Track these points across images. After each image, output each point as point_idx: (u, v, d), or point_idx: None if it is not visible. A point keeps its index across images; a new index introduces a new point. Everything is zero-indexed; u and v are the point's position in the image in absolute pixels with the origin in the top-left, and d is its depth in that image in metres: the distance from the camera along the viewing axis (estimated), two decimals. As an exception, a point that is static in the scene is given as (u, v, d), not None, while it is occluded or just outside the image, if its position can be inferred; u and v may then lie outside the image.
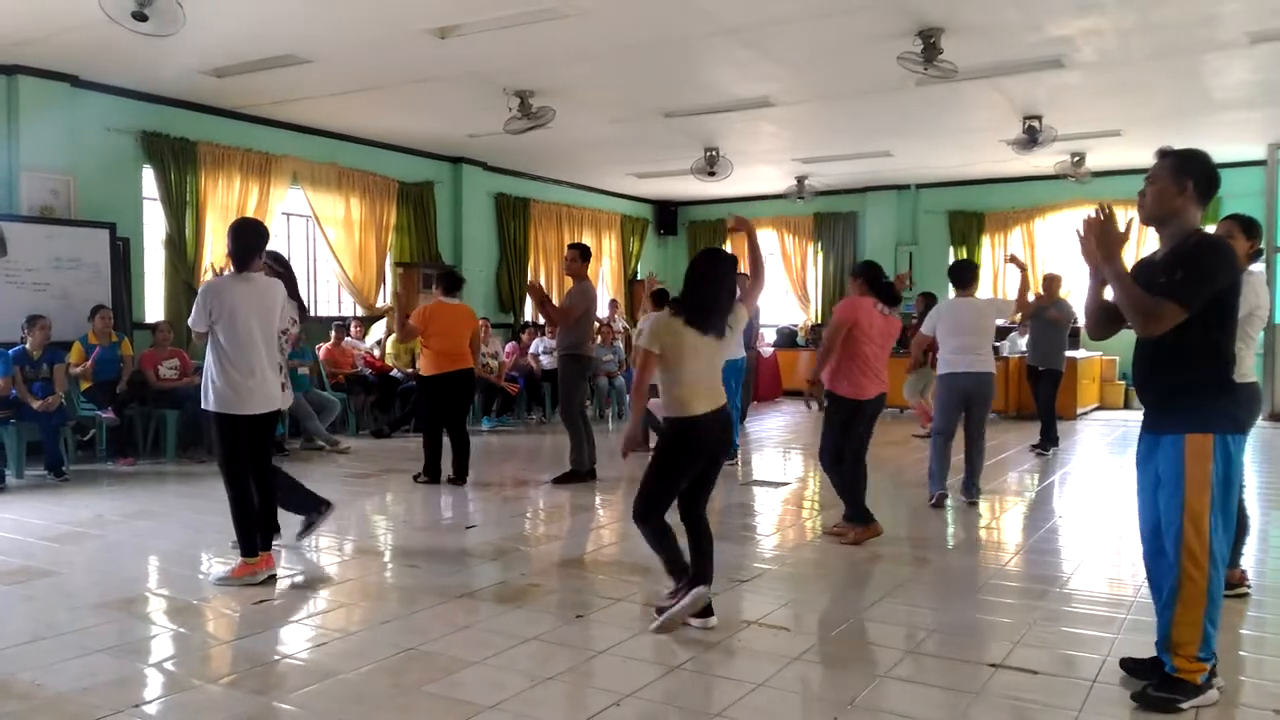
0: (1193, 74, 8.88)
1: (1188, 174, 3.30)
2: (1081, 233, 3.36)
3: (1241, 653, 3.90)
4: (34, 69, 8.55)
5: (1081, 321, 11.50)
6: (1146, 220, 3.43)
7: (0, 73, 8.52)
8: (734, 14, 7.29)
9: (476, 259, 13.63)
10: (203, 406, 4.89)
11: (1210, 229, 3.64)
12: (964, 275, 6.94)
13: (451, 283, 7.96)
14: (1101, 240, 3.30)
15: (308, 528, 5.53)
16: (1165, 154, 3.38)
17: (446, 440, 7.75)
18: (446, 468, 7.72)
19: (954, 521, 6.57)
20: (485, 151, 12.82)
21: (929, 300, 10.65)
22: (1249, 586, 4.60)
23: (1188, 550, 3.25)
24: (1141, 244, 13.43)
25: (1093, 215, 3.34)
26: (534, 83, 9.14)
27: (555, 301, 9.48)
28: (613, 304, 14.96)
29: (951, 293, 6.95)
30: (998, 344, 12.90)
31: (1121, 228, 3.34)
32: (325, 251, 11.67)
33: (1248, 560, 4.83)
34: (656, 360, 4.05)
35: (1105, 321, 3.53)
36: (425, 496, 7.38)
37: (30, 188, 8.63)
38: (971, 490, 6.84)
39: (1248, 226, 4.41)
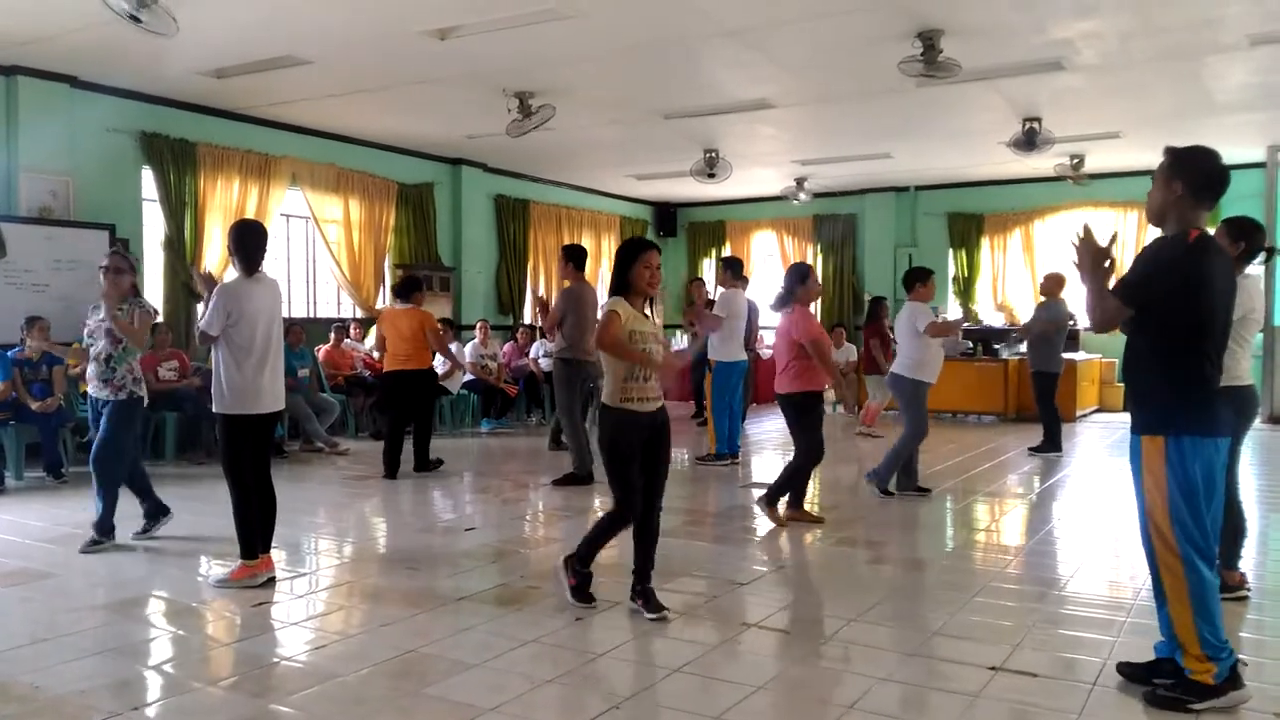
0: (1193, 76, 8.88)
1: (1177, 175, 3.32)
2: (1075, 244, 3.43)
3: (1241, 656, 3.88)
4: (33, 70, 8.55)
5: (1082, 324, 11.40)
6: (1148, 219, 3.49)
7: None
8: (733, 15, 7.29)
9: (476, 261, 13.64)
10: (214, 409, 4.88)
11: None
12: (904, 280, 7.39)
13: (402, 288, 8.53)
14: (1081, 254, 3.38)
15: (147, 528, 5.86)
16: (1167, 153, 3.40)
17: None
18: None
19: (953, 524, 6.58)
20: (485, 153, 12.83)
21: (876, 303, 11.34)
22: (1249, 589, 4.60)
23: (1158, 553, 3.31)
24: (1140, 243, 13.53)
25: (1078, 235, 3.43)
26: (533, 84, 9.14)
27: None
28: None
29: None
30: (997, 345, 12.99)
31: (1104, 243, 3.38)
32: (324, 253, 11.67)
33: (1247, 563, 4.82)
34: None
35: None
36: (424, 498, 7.38)
37: (29, 189, 8.62)
38: (872, 476, 7.25)
39: (1235, 230, 4.38)
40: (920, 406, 7.01)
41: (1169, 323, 3.27)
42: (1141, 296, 3.28)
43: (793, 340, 6.19)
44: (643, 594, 4.37)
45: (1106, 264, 3.36)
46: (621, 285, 4.35)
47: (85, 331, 5.73)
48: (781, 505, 6.30)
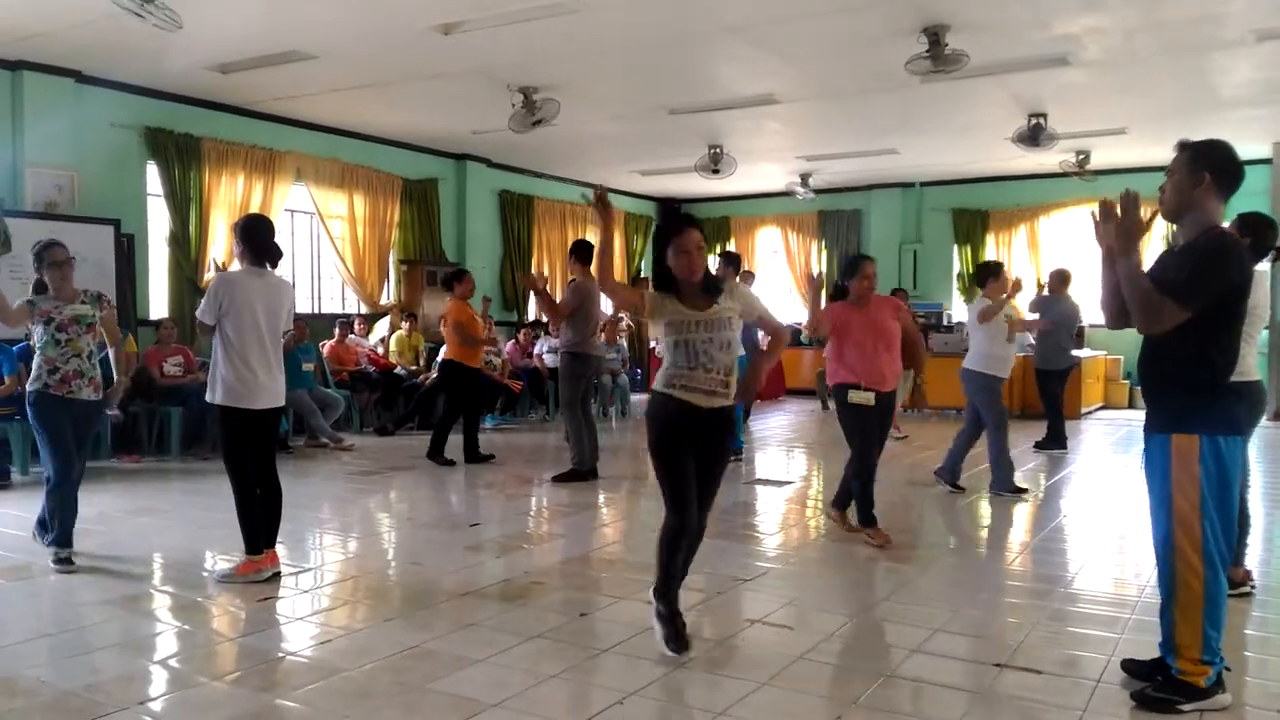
0: (1198, 72, 8.85)
1: (1204, 167, 3.24)
2: (1098, 218, 3.30)
3: (1246, 653, 3.89)
4: (39, 64, 8.55)
5: (1089, 320, 11.30)
6: (1165, 215, 3.38)
7: (5, 68, 8.53)
8: (738, 11, 7.28)
9: (480, 256, 13.63)
10: (208, 399, 4.87)
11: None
12: (976, 276, 7.37)
13: (444, 282, 9.00)
14: (1121, 230, 3.22)
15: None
16: (1184, 146, 3.32)
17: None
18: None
19: (958, 520, 6.57)
20: (489, 148, 12.82)
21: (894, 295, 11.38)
22: (1253, 585, 4.59)
23: (1180, 553, 3.22)
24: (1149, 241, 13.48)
25: (1112, 201, 3.27)
26: (538, 79, 9.13)
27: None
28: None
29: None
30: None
31: (1144, 217, 3.27)
32: (329, 248, 11.67)
33: (1252, 560, 4.82)
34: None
35: (1120, 312, 3.39)
36: (429, 494, 7.40)
37: (35, 183, 8.64)
38: (994, 486, 7.09)
39: (1245, 225, 4.38)
40: (997, 400, 7.00)
41: (1214, 320, 3.18)
42: (1205, 295, 3.13)
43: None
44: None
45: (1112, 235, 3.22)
46: (663, 277, 3.81)
47: (52, 327, 5.01)
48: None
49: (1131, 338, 3.30)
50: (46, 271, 5.14)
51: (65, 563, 5.03)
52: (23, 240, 8.22)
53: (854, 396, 5.54)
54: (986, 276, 7.20)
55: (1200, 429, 3.20)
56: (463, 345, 8.59)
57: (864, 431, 5.61)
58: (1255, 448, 8.01)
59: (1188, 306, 3.14)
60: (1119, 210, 3.24)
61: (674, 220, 3.89)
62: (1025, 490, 7.10)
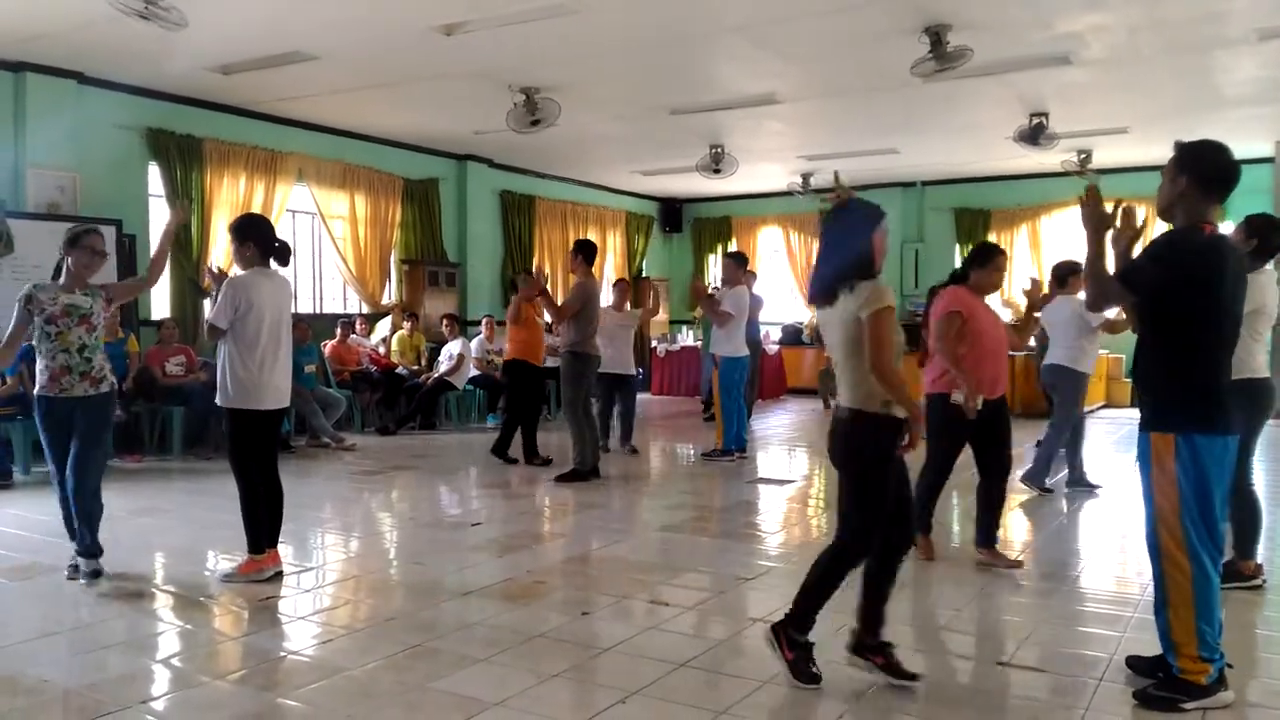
0: (1201, 71, 8.84)
1: (1182, 168, 3.30)
2: (1081, 201, 3.41)
3: (1250, 651, 3.88)
4: (41, 66, 8.55)
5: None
6: (1158, 213, 3.44)
7: (7, 70, 8.53)
8: (740, 10, 7.27)
9: (481, 256, 13.64)
10: (218, 402, 4.87)
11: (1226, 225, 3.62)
12: (1059, 274, 7.16)
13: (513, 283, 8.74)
14: (1085, 218, 3.35)
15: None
16: (1175, 147, 3.39)
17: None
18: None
19: (960, 519, 6.56)
20: (491, 148, 12.82)
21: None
22: (1264, 579, 4.58)
23: (1165, 551, 3.26)
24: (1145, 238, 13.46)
25: (1095, 186, 3.41)
26: (539, 80, 9.13)
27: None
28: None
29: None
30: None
31: (1115, 217, 3.38)
32: (330, 248, 11.68)
33: (1258, 559, 4.80)
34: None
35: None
36: (431, 493, 7.40)
37: (37, 185, 8.63)
38: (1027, 478, 7.20)
39: (1249, 226, 4.43)
40: (1081, 400, 7.06)
41: (1178, 318, 3.23)
42: (1144, 283, 3.24)
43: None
44: (879, 650, 3.51)
45: (1114, 233, 3.34)
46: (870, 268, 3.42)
47: (42, 319, 4.72)
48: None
49: (1133, 336, 3.33)
50: (75, 253, 4.80)
51: (74, 569, 4.82)
52: (25, 242, 8.28)
53: (959, 396, 4.90)
54: (1067, 274, 7.01)
55: (1175, 428, 3.24)
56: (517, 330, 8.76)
57: (959, 438, 5.10)
58: (1262, 446, 8.00)
59: (1127, 287, 3.28)
60: (1083, 201, 3.37)
61: (871, 205, 3.50)
62: (1051, 491, 7.14)
